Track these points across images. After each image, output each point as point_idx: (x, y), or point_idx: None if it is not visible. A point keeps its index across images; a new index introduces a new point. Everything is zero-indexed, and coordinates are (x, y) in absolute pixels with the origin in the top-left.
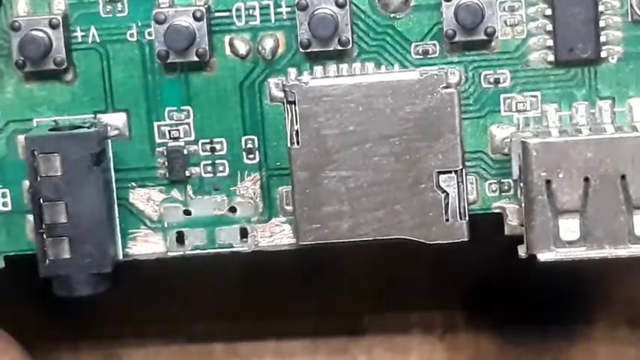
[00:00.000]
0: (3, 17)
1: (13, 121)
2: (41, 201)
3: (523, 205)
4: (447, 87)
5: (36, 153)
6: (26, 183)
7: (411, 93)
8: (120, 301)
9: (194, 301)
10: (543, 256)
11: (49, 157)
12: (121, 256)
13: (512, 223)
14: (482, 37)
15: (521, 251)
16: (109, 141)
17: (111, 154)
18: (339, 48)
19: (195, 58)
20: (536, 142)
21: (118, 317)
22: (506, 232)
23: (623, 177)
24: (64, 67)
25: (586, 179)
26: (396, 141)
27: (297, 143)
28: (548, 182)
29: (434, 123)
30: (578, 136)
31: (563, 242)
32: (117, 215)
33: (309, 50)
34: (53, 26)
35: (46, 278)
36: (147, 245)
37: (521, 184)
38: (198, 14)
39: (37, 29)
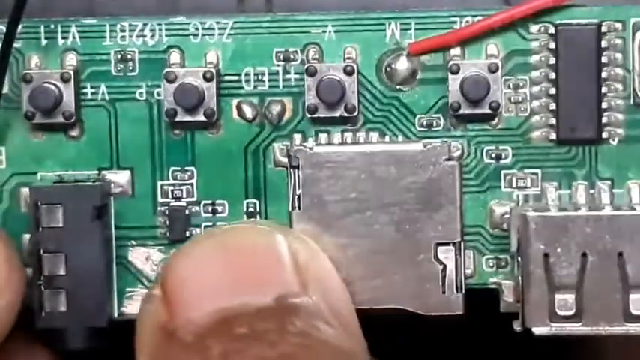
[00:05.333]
0: (15, 71)
1: (17, 174)
2: (41, 252)
3: (520, 278)
4: (449, 159)
5: (39, 204)
6: (26, 237)
7: (414, 163)
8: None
9: None
10: (538, 330)
11: (52, 208)
12: (116, 315)
13: (507, 299)
14: (487, 110)
15: (517, 325)
16: (112, 198)
17: (113, 212)
18: (345, 115)
19: (203, 118)
20: (536, 216)
21: None
22: (502, 308)
23: (620, 254)
24: (72, 121)
25: (583, 255)
26: (396, 210)
27: (299, 208)
28: (545, 256)
29: (435, 194)
30: (577, 211)
31: (559, 317)
32: (115, 273)
33: (315, 115)
34: (65, 80)
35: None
36: None
37: (519, 258)
38: (208, 75)
39: (48, 82)
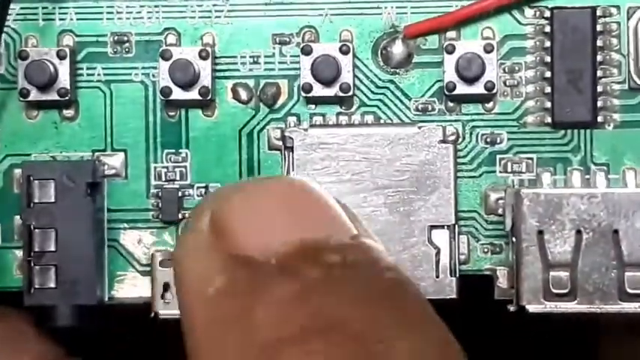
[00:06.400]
0: (11, 51)
1: (11, 154)
2: (32, 228)
3: (514, 256)
4: (444, 141)
5: (32, 178)
6: (18, 218)
7: (409, 145)
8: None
9: None
10: (532, 308)
11: (45, 183)
12: (107, 299)
13: (502, 285)
14: (482, 91)
15: (511, 306)
16: (105, 180)
17: (105, 193)
18: (340, 94)
19: (198, 97)
20: (530, 192)
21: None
22: (496, 295)
23: (615, 232)
24: (67, 98)
25: (578, 232)
26: (390, 192)
27: None
28: (540, 233)
29: (429, 177)
30: (571, 188)
31: (553, 295)
32: (106, 256)
33: (310, 95)
34: (60, 57)
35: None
36: (134, 289)
37: (513, 237)
38: (203, 54)
39: (44, 58)
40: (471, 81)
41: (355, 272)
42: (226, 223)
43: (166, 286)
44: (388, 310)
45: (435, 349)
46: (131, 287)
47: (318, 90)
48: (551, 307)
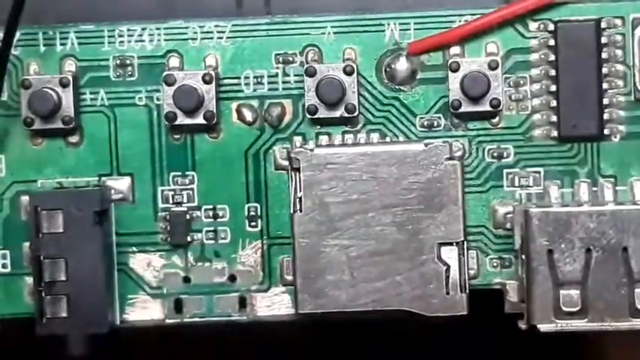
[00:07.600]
0: (14, 78)
1: (17, 181)
2: (42, 258)
3: (524, 275)
4: (450, 158)
5: (39, 209)
6: (26, 245)
7: (415, 163)
8: None
9: None
10: (544, 327)
11: (52, 213)
12: (118, 322)
13: (512, 299)
14: (488, 108)
15: (522, 324)
16: (112, 205)
17: (113, 218)
18: (346, 115)
19: (203, 121)
20: (539, 211)
21: None
22: (507, 309)
23: (624, 249)
24: (71, 126)
25: (588, 250)
26: (398, 211)
27: (301, 210)
28: (549, 252)
29: (437, 194)
30: (580, 207)
31: (564, 313)
32: (116, 280)
33: (315, 116)
34: (63, 85)
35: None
36: (145, 312)
37: (523, 255)
38: (207, 78)
39: (47, 87)
40: (476, 99)
41: None
42: None
43: None
44: None
45: None
46: (142, 310)
47: (324, 111)
48: (562, 325)
